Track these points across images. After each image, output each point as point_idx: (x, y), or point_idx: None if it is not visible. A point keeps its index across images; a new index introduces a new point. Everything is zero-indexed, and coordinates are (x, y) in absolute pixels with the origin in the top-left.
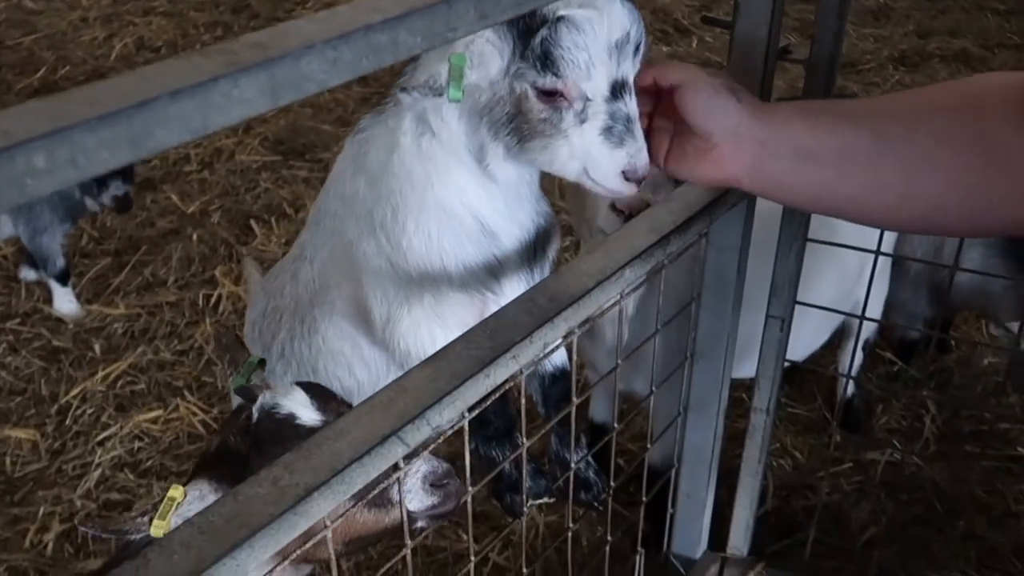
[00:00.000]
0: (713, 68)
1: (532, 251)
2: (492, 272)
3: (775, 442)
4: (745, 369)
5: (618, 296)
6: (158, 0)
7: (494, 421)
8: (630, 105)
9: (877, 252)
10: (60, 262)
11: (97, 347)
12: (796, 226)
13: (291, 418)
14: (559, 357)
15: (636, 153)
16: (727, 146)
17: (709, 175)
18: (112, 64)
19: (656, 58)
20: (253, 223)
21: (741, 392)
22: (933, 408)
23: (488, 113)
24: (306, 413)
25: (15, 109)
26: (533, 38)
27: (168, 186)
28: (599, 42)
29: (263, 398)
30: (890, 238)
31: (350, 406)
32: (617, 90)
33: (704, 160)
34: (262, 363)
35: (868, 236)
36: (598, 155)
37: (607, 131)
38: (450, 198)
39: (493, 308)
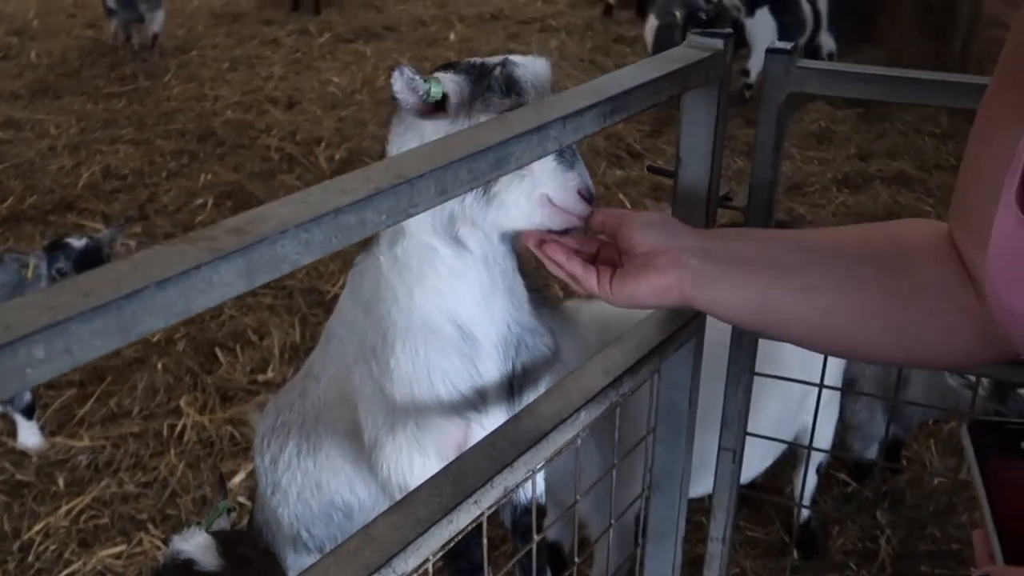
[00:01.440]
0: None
1: (513, 370)
2: (475, 387)
3: (734, 567)
4: (700, 488)
5: (574, 435)
6: (125, 129)
7: (465, 554)
8: None
9: (820, 384)
10: (27, 396)
11: (61, 480)
12: (744, 359)
13: (190, 564)
14: (538, 488)
15: (584, 174)
16: (669, 255)
17: (652, 283)
18: (79, 192)
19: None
20: (218, 351)
21: (700, 516)
22: (888, 529)
23: None
24: (207, 558)
25: (16, 303)
26: (491, 75)
27: None
28: (542, 77)
29: (172, 544)
30: (835, 368)
31: (271, 556)
32: None
33: (646, 271)
34: (230, 511)
35: (813, 368)
36: (558, 178)
37: (559, 156)
38: (430, 308)
39: (478, 433)
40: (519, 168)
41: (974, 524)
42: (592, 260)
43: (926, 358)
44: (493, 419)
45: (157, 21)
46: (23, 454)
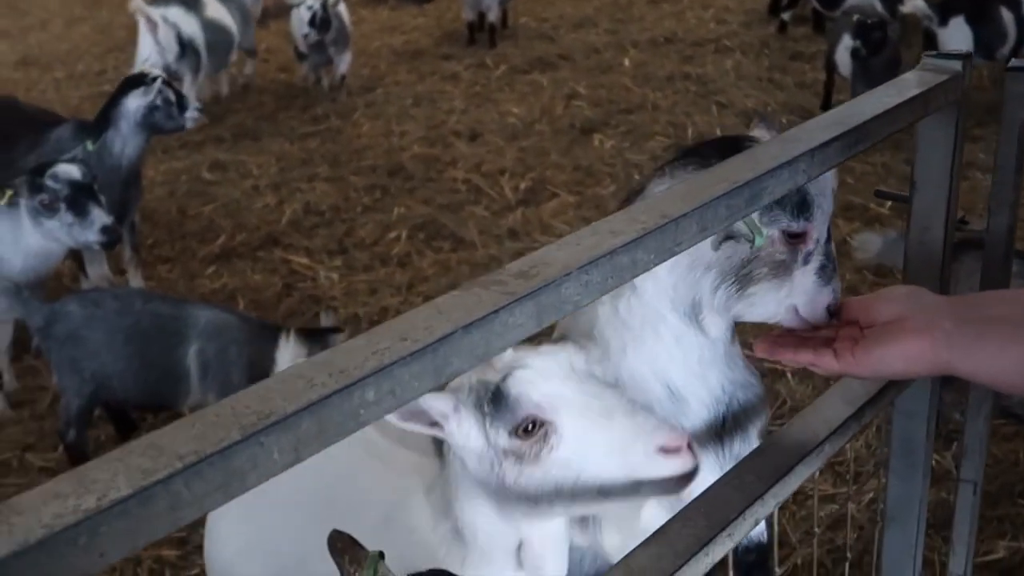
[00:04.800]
0: None
1: (723, 420)
2: None
3: None
4: None
5: (818, 467)
6: (320, 167)
7: None
8: (831, 246)
9: None
10: None
11: None
12: (983, 387)
13: None
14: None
15: (837, 289)
16: (919, 319)
17: (902, 349)
18: (283, 228)
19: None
20: None
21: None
22: None
23: (720, 263)
24: None
25: (347, 346)
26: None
27: None
28: (827, 191)
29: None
30: None
31: None
32: (828, 233)
33: (894, 337)
34: (382, 555)
35: None
36: (813, 293)
37: (821, 270)
38: (641, 367)
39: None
40: (771, 200)
41: None
42: (829, 342)
43: None
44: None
45: (345, 62)
46: None
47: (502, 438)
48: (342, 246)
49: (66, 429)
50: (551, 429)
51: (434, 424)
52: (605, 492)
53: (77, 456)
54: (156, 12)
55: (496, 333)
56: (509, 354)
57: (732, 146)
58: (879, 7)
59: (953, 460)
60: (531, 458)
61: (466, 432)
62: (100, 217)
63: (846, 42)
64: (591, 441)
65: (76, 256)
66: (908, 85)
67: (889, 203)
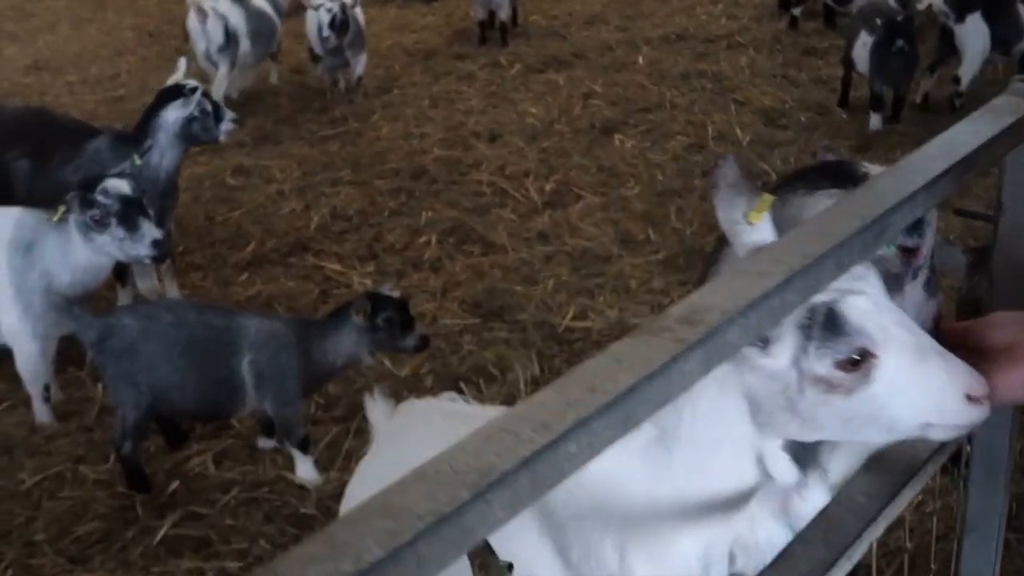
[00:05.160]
0: None
1: None
2: None
3: None
4: None
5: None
6: (343, 170)
7: None
8: (934, 260)
9: None
10: (302, 431)
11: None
12: None
13: None
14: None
15: (940, 302)
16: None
17: (1021, 376)
18: (311, 234)
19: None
20: (463, 384)
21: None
22: None
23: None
24: None
25: (540, 399)
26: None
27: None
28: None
29: None
30: None
31: None
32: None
33: (1011, 365)
34: (510, 567)
35: None
36: (920, 305)
37: (927, 283)
38: None
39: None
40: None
41: None
42: None
43: None
44: None
45: (361, 64)
46: (303, 488)
47: (822, 365)
48: (372, 251)
49: (121, 441)
50: (876, 365)
51: None
52: (894, 428)
53: (131, 468)
54: (207, 3)
55: (674, 382)
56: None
57: (839, 172)
58: (893, 2)
59: None
60: (843, 390)
61: (776, 350)
62: (151, 231)
63: (863, 38)
64: (908, 381)
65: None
66: (1001, 111)
67: None
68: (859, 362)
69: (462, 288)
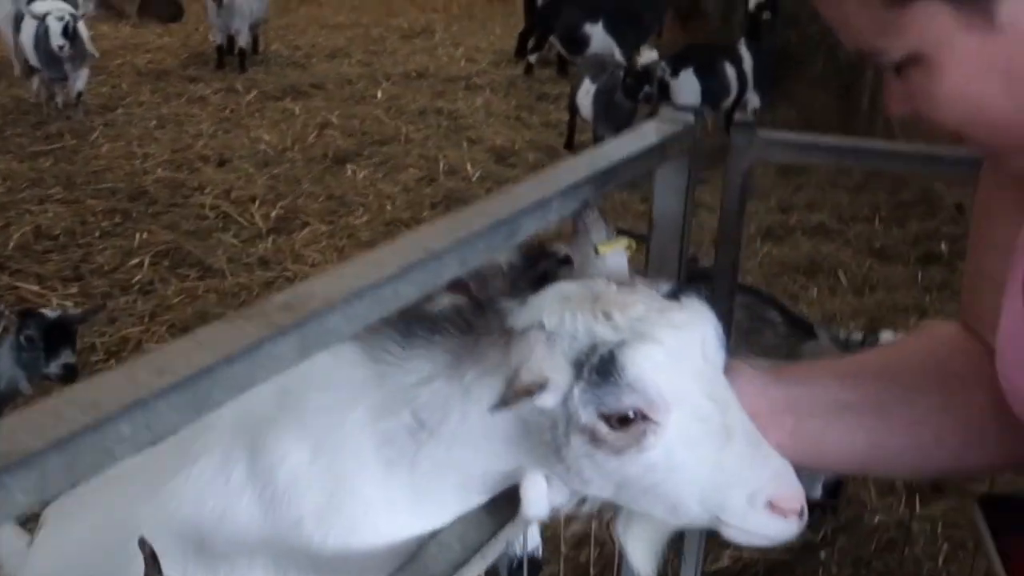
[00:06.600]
0: None
1: None
2: None
3: None
4: None
5: None
6: (53, 188)
7: None
8: None
9: None
10: None
11: None
12: None
13: None
14: (531, 543)
15: None
16: (762, 415)
17: None
18: (10, 253)
19: None
20: None
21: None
22: (834, 567)
23: None
24: None
25: (96, 380)
26: None
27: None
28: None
29: None
30: None
31: None
32: None
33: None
34: None
35: None
36: None
37: None
38: None
39: None
40: (525, 238)
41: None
42: None
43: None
44: None
45: (82, 78)
46: None
47: (586, 413)
48: (78, 272)
49: None
50: (653, 431)
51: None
52: (677, 512)
53: None
54: None
55: (260, 365)
56: (637, 306)
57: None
58: (618, 55)
59: None
60: (610, 448)
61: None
62: None
63: (587, 86)
64: (693, 463)
65: None
66: (647, 134)
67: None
68: (631, 421)
69: (172, 312)
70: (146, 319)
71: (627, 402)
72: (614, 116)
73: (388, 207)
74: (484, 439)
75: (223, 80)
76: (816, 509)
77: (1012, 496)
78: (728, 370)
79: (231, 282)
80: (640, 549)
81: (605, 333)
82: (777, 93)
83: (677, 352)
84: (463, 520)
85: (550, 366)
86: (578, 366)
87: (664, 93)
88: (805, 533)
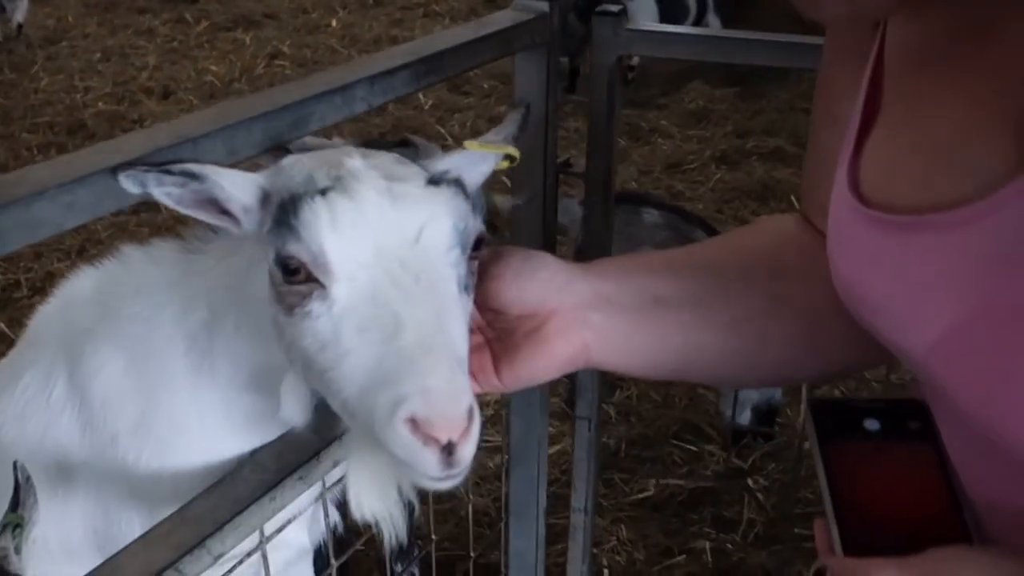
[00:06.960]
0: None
1: None
2: None
3: (610, 537)
4: None
5: None
6: None
7: None
8: None
9: None
10: None
11: None
12: None
13: None
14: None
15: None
16: (563, 316)
17: (553, 357)
18: None
19: None
20: None
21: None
22: (760, 494)
23: None
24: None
25: None
26: None
27: None
28: None
29: None
30: None
31: None
32: None
33: (540, 344)
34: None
35: None
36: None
37: None
38: None
39: None
40: (320, 127)
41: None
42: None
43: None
44: None
45: (21, 10)
46: None
47: (271, 252)
48: None
49: None
50: (321, 296)
51: (225, 214)
52: (347, 408)
53: None
54: None
55: None
56: (357, 161)
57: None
58: None
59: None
60: (285, 306)
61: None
62: None
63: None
64: (361, 345)
65: None
66: (494, 22)
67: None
68: (296, 273)
69: (102, 247)
70: (73, 255)
71: (291, 248)
72: (566, 41)
73: (335, 138)
74: (258, 319)
75: (173, 11)
76: (746, 435)
77: (844, 400)
78: (531, 260)
79: (165, 215)
80: (363, 490)
81: (316, 179)
82: (737, 17)
83: (374, 222)
84: (284, 439)
85: (248, 193)
86: (280, 206)
87: None
88: (732, 459)
